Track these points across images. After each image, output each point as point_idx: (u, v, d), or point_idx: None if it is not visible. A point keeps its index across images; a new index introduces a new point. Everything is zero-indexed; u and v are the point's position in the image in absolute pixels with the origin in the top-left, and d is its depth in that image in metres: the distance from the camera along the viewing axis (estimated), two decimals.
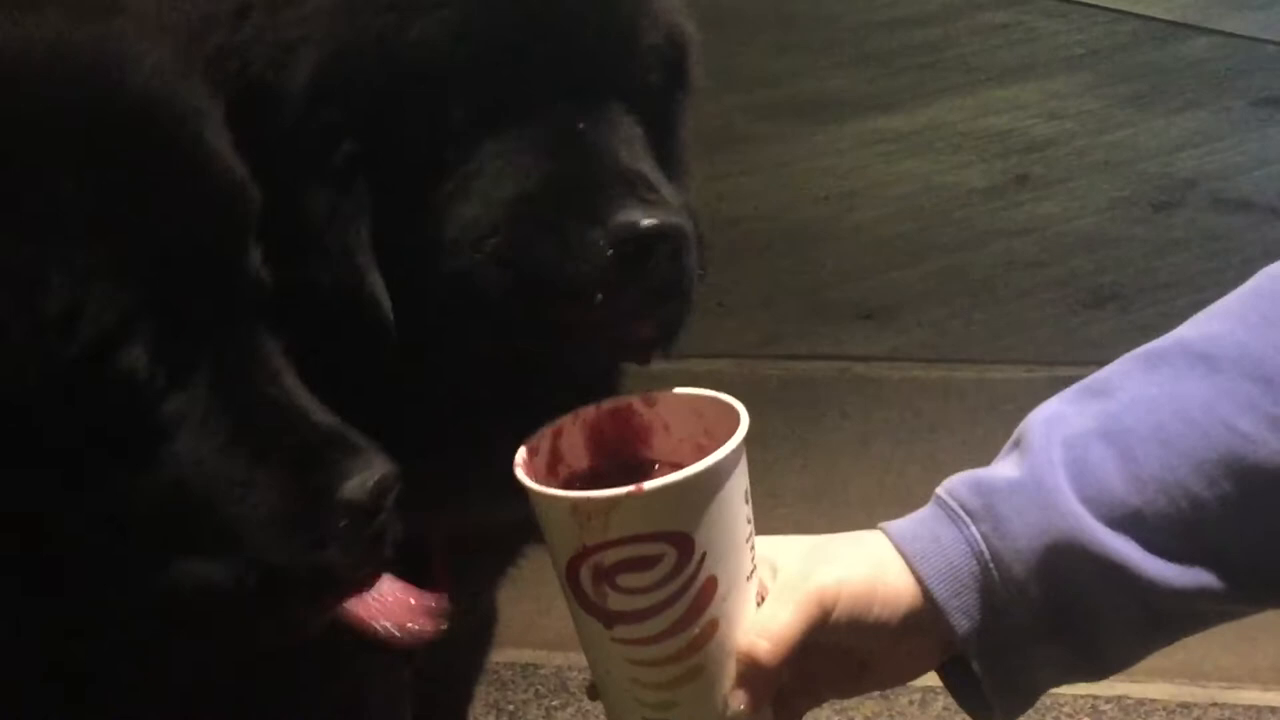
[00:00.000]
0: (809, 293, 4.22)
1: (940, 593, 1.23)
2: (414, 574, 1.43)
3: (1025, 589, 1.22)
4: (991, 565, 1.22)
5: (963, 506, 1.23)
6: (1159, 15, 6.04)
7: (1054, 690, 2.75)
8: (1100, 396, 1.25)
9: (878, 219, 4.71)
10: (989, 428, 3.55)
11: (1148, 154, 5.01)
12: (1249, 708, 2.74)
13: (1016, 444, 1.25)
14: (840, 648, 1.25)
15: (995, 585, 1.22)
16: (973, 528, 1.22)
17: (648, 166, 1.39)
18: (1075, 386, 1.27)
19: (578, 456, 1.25)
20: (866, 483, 3.21)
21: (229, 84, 1.40)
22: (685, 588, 1.16)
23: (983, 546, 1.22)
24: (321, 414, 1.23)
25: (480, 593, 1.75)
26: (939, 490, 1.26)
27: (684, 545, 1.15)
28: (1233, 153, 4.98)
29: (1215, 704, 2.74)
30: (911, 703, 2.66)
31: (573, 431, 1.25)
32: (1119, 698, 2.73)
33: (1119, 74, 5.66)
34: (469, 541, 1.55)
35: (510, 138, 1.38)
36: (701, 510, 1.15)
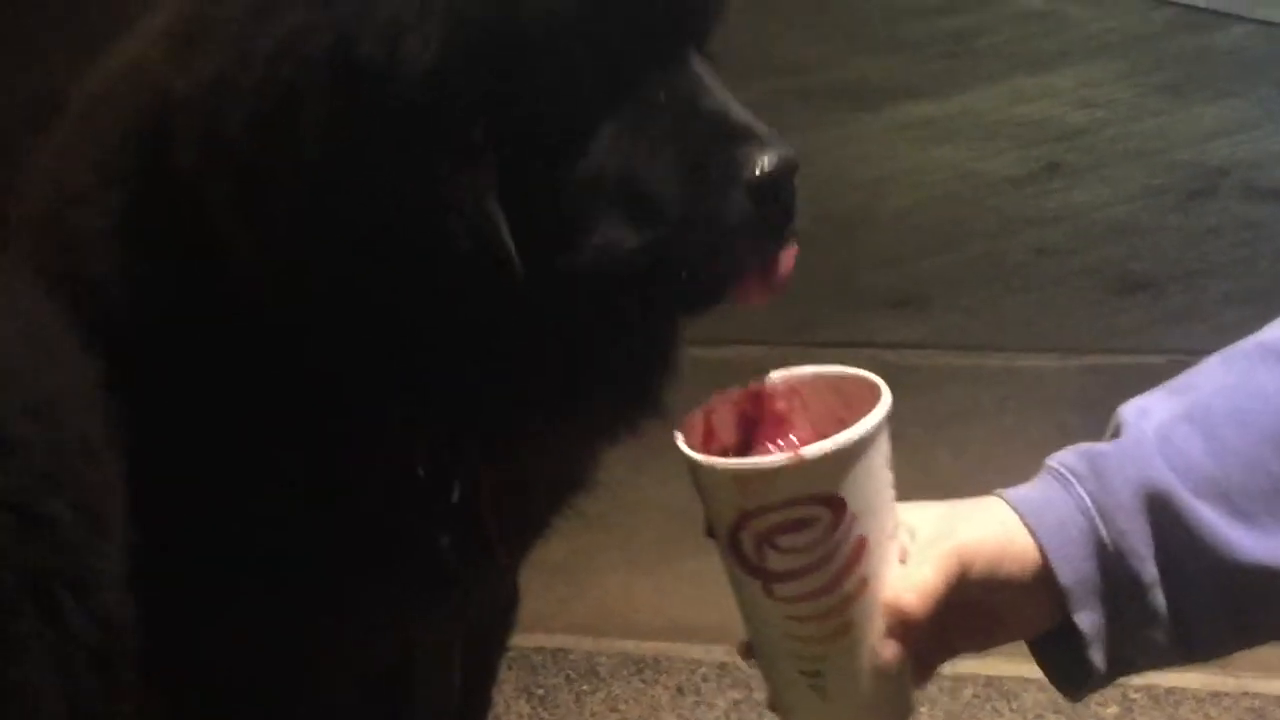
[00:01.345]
0: (841, 279, 4.22)
1: (1050, 545, 1.32)
2: (466, 529, 1.49)
3: (1130, 539, 1.30)
4: (1097, 519, 1.34)
5: (1070, 470, 1.36)
6: (1194, 3, 6.01)
7: None
8: (1184, 392, 1.38)
9: (910, 206, 4.71)
10: (1019, 415, 3.56)
11: (1181, 142, 5.00)
12: None
13: (1112, 431, 1.34)
14: (976, 603, 1.32)
15: (1103, 538, 1.33)
16: (1078, 487, 1.35)
17: (733, 100, 1.48)
18: (1161, 386, 1.38)
19: (728, 433, 1.35)
20: (897, 468, 3.19)
21: (318, 66, 1.40)
22: (839, 546, 1.25)
23: (1089, 503, 1.34)
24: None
25: (528, 548, 1.81)
26: (1049, 460, 1.37)
27: (837, 506, 1.25)
28: (1267, 141, 4.96)
29: (1247, 693, 2.74)
30: (941, 690, 2.66)
31: (722, 411, 1.35)
32: (1149, 686, 2.73)
33: (1152, 62, 5.64)
34: (518, 496, 1.63)
35: (629, 104, 1.44)
36: (852, 474, 1.25)
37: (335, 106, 1.38)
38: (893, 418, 1.30)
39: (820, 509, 1.24)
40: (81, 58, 1.76)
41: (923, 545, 1.30)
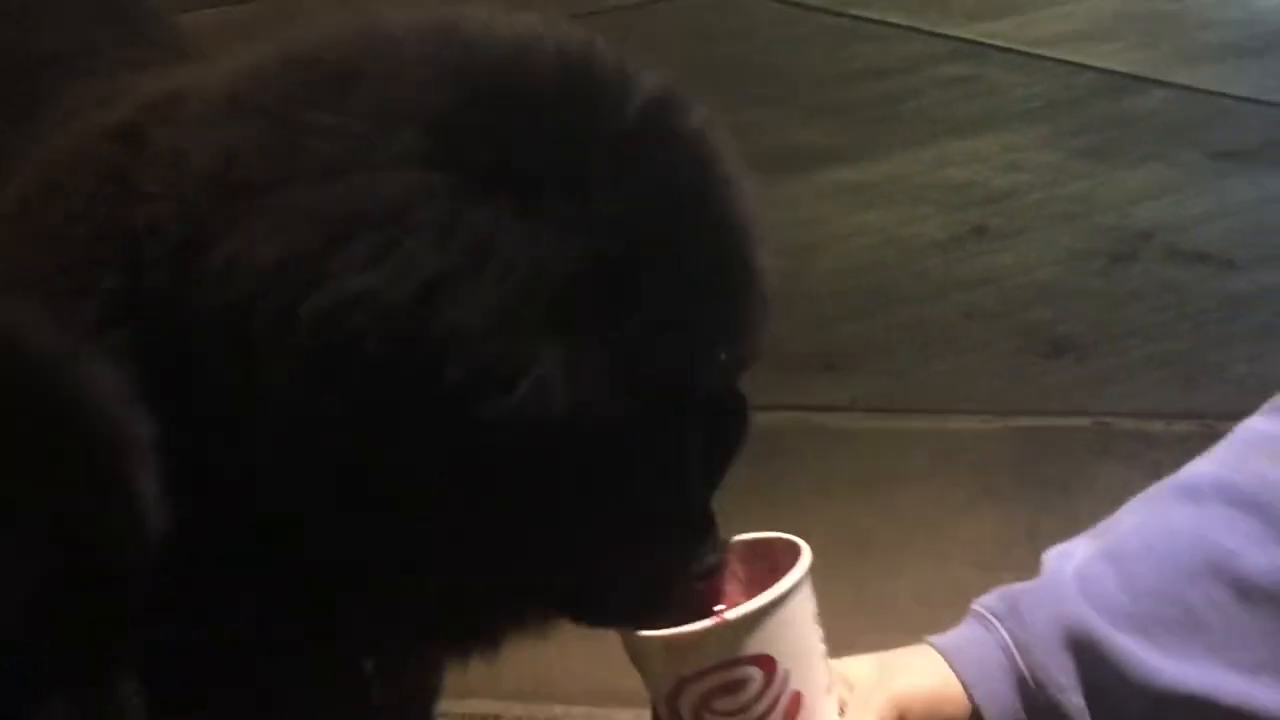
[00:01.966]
0: (770, 343, 4.23)
1: (975, 685, 1.39)
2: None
3: (1048, 670, 1.35)
4: (1017, 655, 1.38)
5: (990, 611, 1.40)
6: (1116, 68, 6.09)
7: None
8: (1102, 534, 1.45)
9: (837, 270, 4.74)
10: (947, 477, 3.58)
11: (1105, 206, 5.05)
12: None
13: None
14: None
15: (1023, 674, 1.37)
16: (999, 626, 1.38)
17: None
18: (1084, 533, 1.44)
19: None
20: (826, 531, 3.19)
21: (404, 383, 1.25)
22: (774, 705, 1.30)
23: (1008, 640, 1.38)
24: None
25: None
26: (973, 604, 1.43)
27: (768, 665, 1.29)
28: (1189, 205, 5.02)
29: None
30: None
31: None
32: None
33: (1076, 126, 5.70)
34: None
35: None
36: (779, 632, 1.29)
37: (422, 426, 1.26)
38: (814, 570, 1.35)
39: (752, 669, 1.28)
40: None
41: (860, 696, 1.36)
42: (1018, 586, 1.42)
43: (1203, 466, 1.42)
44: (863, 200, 5.18)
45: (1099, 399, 3.80)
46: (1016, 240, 4.87)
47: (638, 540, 1.32)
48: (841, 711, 1.34)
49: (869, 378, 4.14)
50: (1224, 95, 5.85)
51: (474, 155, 1.26)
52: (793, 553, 1.36)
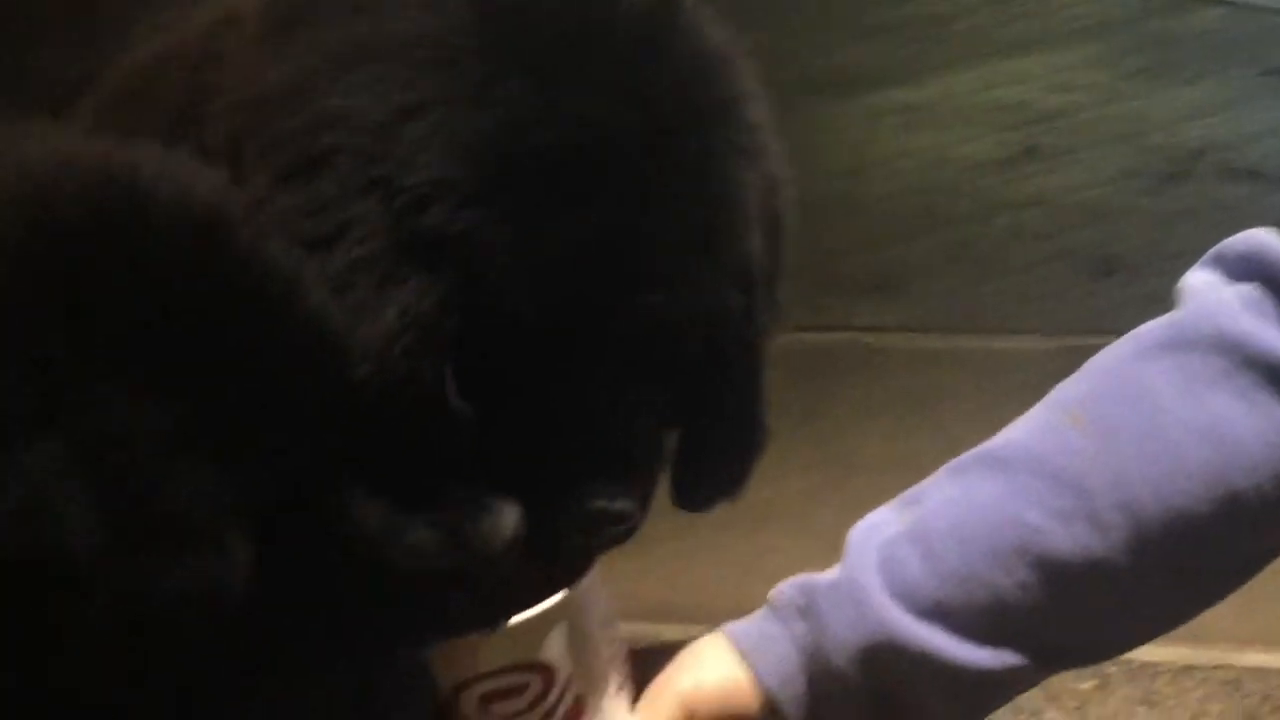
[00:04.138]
0: (819, 265, 4.24)
1: (771, 685, 1.35)
2: None
3: (846, 677, 1.34)
4: (814, 657, 1.33)
5: (789, 605, 1.34)
6: None
7: None
8: (912, 505, 1.36)
9: (887, 192, 4.73)
10: (996, 396, 3.58)
11: (1156, 125, 5.03)
12: (1255, 669, 2.77)
13: (843, 554, 1.36)
14: None
15: (819, 675, 1.33)
16: (797, 623, 1.35)
17: None
18: (895, 499, 1.38)
19: None
20: (875, 451, 3.23)
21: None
22: (553, 710, 1.27)
23: (807, 640, 1.34)
24: None
25: None
26: (771, 593, 1.37)
27: (546, 673, 1.26)
28: (1241, 123, 4.99)
29: (1220, 665, 2.77)
30: None
31: None
32: (1125, 661, 2.76)
33: (1128, 45, 5.66)
34: None
35: None
36: (559, 639, 1.26)
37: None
38: (598, 585, 1.30)
39: (529, 675, 1.25)
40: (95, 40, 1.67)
41: (649, 695, 1.33)
42: (819, 580, 1.35)
43: (1014, 434, 1.36)
44: (912, 122, 5.17)
45: (1150, 317, 3.77)
46: (1066, 160, 4.85)
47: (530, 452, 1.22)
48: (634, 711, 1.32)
49: (918, 298, 4.14)
50: (1276, 12, 5.81)
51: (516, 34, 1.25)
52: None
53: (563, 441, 1.21)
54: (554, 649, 1.25)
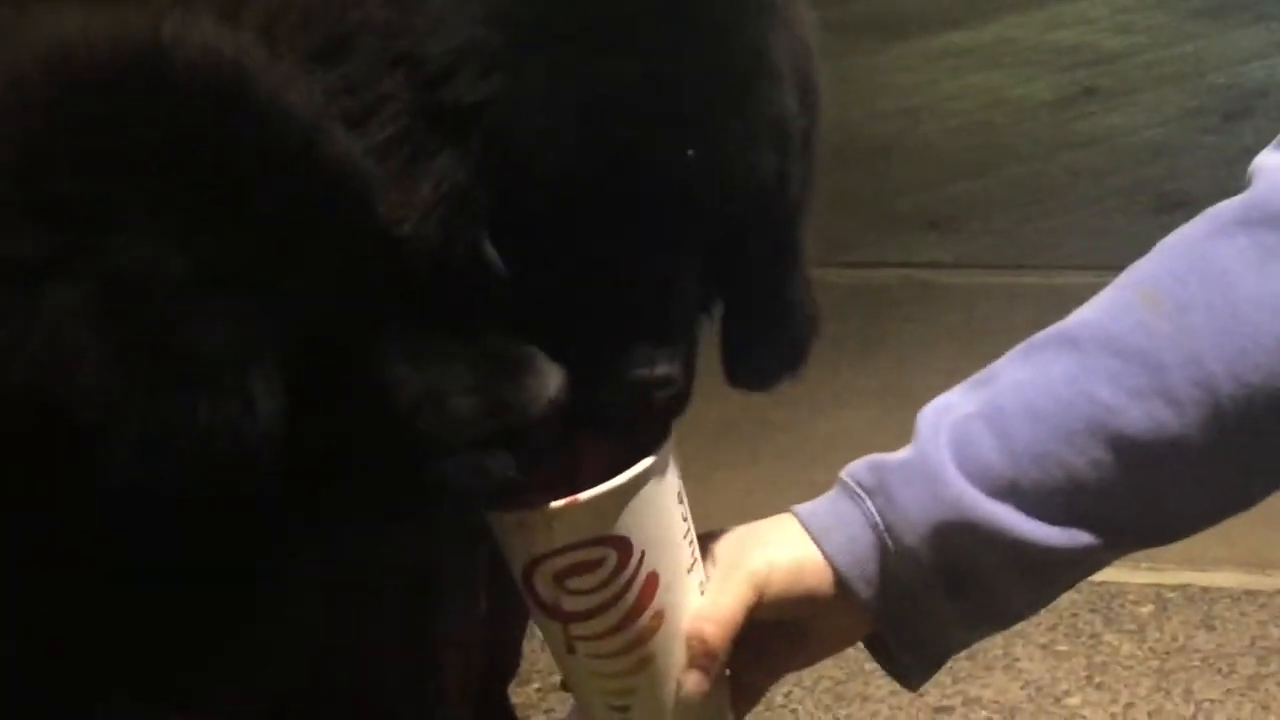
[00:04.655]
0: (876, 203, 4.24)
1: (842, 564, 1.33)
2: None
3: (918, 555, 1.32)
4: (886, 535, 1.32)
5: (859, 484, 1.33)
6: None
7: (1120, 579, 2.82)
8: (983, 385, 1.34)
9: (945, 132, 4.72)
10: None
11: (1217, 66, 5.00)
12: None
13: (913, 435, 1.35)
14: (782, 622, 1.32)
15: (890, 553, 1.32)
16: (868, 502, 1.32)
17: None
18: (966, 380, 1.37)
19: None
20: (932, 383, 3.18)
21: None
22: (629, 585, 1.25)
23: (877, 519, 1.32)
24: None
25: None
26: (841, 473, 1.36)
27: (622, 547, 1.24)
28: None
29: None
30: None
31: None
32: (1184, 586, 2.75)
33: None
34: None
35: None
36: (635, 514, 1.24)
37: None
38: (675, 450, 1.25)
39: (605, 550, 1.24)
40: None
41: (719, 574, 1.31)
42: (889, 459, 1.31)
43: (1087, 313, 1.35)
44: (971, 63, 5.15)
45: None
46: (1127, 100, 4.83)
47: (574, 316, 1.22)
48: (704, 589, 1.29)
49: (976, 235, 4.13)
50: None
51: None
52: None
53: (600, 304, 1.20)
54: (630, 523, 1.23)
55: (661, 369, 1.20)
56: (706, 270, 1.24)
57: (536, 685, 2.63)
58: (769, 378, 1.36)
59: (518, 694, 2.15)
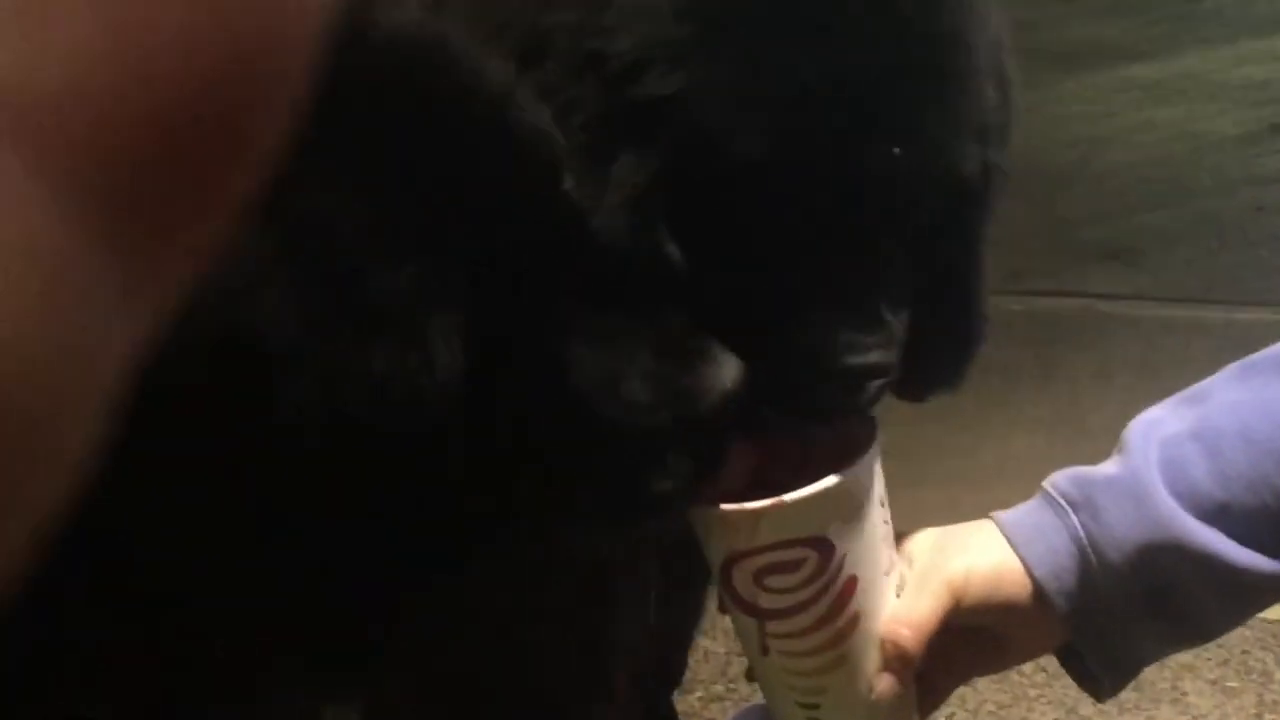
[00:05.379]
0: (1056, 233, 4.22)
1: (1042, 575, 1.32)
2: None
3: (1122, 574, 1.31)
4: (1090, 551, 1.31)
5: (1064, 497, 1.33)
6: None
7: None
8: (1195, 403, 1.33)
9: (1127, 164, 4.69)
10: None
11: None
12: None
13: (1119, 449, 1.33)
14: (976, 629, 1.34)
15: (1093, 569, 1.32)
16: (1073, 516, 1.32)
17: None
18: (1175, 396, 1.35)
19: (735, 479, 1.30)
20: (1106, 413, 3.22)
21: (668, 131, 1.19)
22: (828, 586, 1.25)
23: (1081, 533, 1.31)
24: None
25: None
26: (1044, 483, 1.35)
27: (824, 549, 1.24)
28: None
29: None
30: None
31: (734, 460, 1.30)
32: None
33: None
34: None
35: None
36: (838, 517, 1.24)
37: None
38: (882, 454, 1.27)
39: (807, 551, 1.24)
40: None
41: (917, 577, 1.31)
42: (1096, 474, 1.32)
43: None
44: (1156, 96, 5.11)
45: None
46: None
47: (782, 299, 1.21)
48: (900, 591, 1.30)
49: (1155, 268, 4.10)
50: None
51: None
52: (865, 430, 1.29)
53: (805, 294, 1.21)
54: (834, 525, 1.24)
55: (874, 356, 1.21)
56: (909, 261, 1.25)
57: (699, 694, 2.65)
58: (932, 388, 1.37)
59: (681, 701, 2.18)
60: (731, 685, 2.62)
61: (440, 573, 1.09)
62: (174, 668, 1.04)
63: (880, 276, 1.23)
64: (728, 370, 1.13)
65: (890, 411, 1.31)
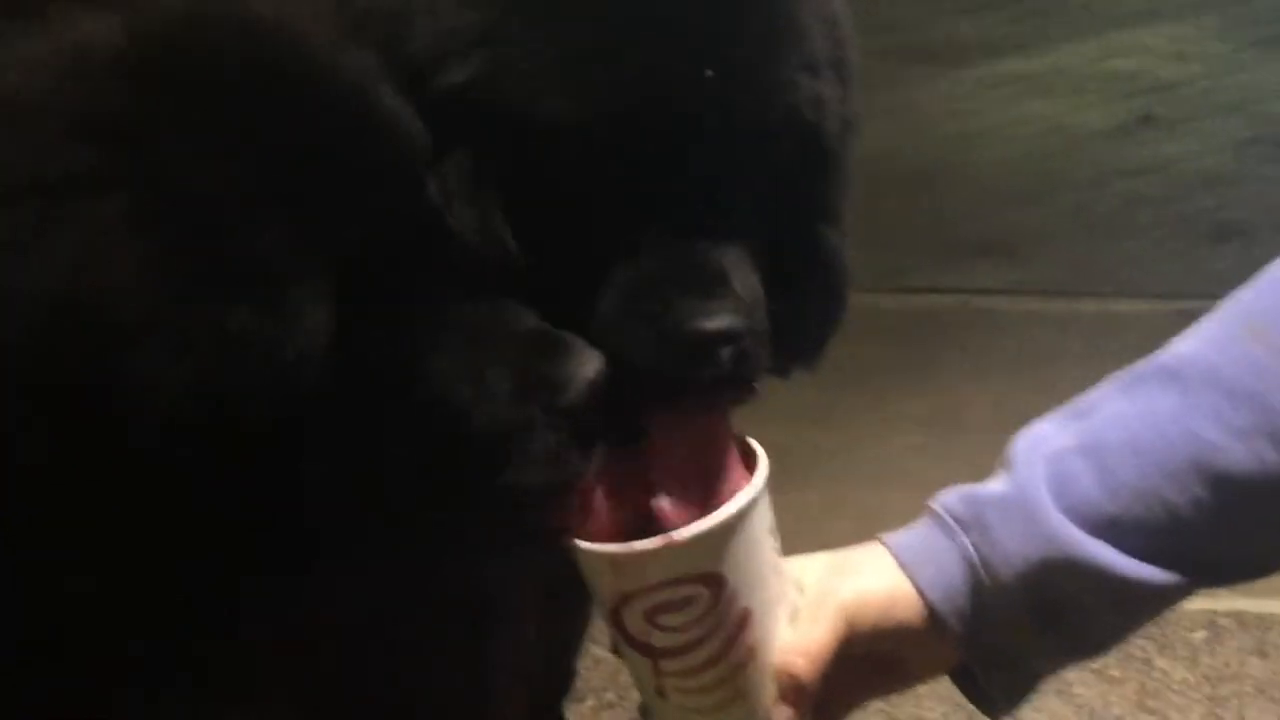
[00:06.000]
0: (931, 229, 4.24)
1: (934, 598, 1.31)
2: None
3: (1014, 591, 1.30)
4: (981, 570, 1.30)
5: (954, 517, 1.32)
6: None
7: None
8: (1081, 416, 1.32)
9: (1000, 159, 4.71)
10: (1108, 358, 3.52)
11: (1275, 94, 4.98)
12: None
13: (1004, 465, 1.33)
14: (871, 654, 1.32)
15: (985, 589, 1.31)
16: (963, 536, 1.31)
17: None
18: (1060, 410, 1.35)
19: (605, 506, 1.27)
20: (983, 410, 3.22)
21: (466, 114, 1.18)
22: (721, 621, 1.24)
23: (972, 553, 1.31)
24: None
25: None
26: (931, 503, 1.34)
27: (715, 583, 1.22)
28: None
29: None
30: None
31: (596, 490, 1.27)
32: (1237, 612, 2.73)
33: (1246, 17, 5.61)
34: None
35: None
36: (729, 550, 1.22)
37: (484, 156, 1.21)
38: (772, 484, 1.24)
39: (698, 587, 1.22)
40: None
41: (810, 604, 1.30)
42: (984, 492, 1.31)
43: (1188, 346, 1.33)
44: (1026, 91, 5.14)
45: None
46: (1183, 129, 4.81)
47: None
48: (793, 618, 1.28)
49: (1030, 263, 4.12)
50: None
51: None
52: (749, 457, 1.26)
53: (649, 258, 1.16)
54: (724, 560, 1.22)
55: (720, 321, 1.15)
56: (755, 222, 1.21)
57: (590, 702, 2.63)
58: (789, 365, 1.34)
59: (572, 710, 2.16)
60: (623, 693, 2.60)
61: (281, 578, 1.06)
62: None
63: (720, 231, 1.18)
64: (590, 361, 1.11)
65: (768, 414, 1.28)
